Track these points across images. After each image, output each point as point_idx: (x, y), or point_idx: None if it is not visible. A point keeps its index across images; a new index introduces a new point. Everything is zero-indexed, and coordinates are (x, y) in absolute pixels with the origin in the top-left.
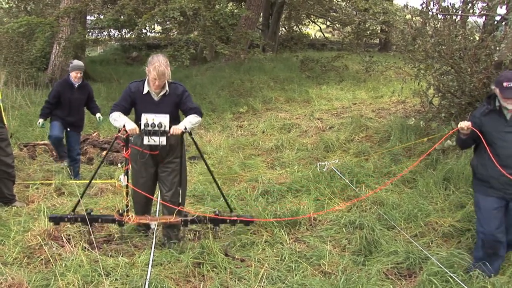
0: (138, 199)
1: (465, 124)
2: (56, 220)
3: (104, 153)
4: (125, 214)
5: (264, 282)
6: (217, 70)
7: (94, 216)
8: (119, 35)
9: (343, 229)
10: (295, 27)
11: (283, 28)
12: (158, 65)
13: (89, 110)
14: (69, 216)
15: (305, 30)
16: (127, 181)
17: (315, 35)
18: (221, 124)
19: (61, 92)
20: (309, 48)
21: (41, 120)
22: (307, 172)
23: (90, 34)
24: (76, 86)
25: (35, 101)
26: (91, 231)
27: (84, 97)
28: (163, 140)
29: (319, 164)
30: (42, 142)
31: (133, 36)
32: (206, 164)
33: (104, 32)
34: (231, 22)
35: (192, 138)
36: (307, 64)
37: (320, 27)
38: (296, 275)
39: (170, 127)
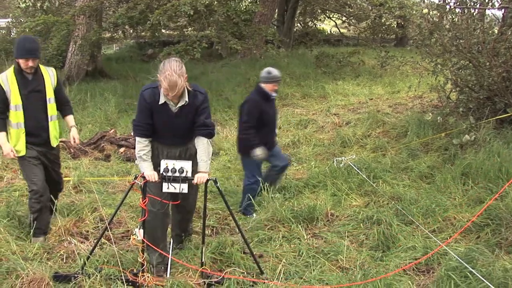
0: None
1: None
2: (61, 279)
3: (121, 150)
4: (140, 274)
5: (281, 277)
6: (233, 67)
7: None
8: (135, 33)
9: (361, 224)
10: (310, 22)
11: (298, 24)
12: (169, 73)
13: None
14: (75, 275)
15: (320, 25)
16: (144, 236)
17: (330, 31)
18: (238, 121)
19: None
20: (324, 44)
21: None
22: (324, 168)
23: (106, 32)
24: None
25: None
26: None
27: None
28: (184, 187)
29: (336, 160)
30: (60, 139)
31: (148, 33)
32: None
33: (119, 31)
34: (244, 18)
35: (218, 188)
36: (322, 60)
37: (335, 23)
38: (313, 270)
39: (192, 173)
